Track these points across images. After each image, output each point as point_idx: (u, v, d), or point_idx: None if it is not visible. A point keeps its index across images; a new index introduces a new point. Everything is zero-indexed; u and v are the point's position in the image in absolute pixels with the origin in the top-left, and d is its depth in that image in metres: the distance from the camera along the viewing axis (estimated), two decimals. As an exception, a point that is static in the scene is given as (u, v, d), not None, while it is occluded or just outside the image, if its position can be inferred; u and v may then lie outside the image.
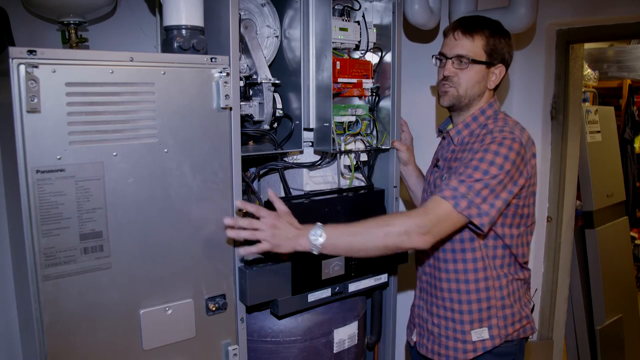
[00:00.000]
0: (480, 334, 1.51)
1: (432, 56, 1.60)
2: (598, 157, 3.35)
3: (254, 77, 1.50)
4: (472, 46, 1.48)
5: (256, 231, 1.27)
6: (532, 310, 1.63)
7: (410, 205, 1.91)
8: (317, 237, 1.27)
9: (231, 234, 1.29)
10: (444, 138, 1.65)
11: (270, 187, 1.70)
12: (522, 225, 1.51)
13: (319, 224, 1.30)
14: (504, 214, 1.46)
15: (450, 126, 1.65)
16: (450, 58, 1.50)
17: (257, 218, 1.29)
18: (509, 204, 1.43)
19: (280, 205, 1.33)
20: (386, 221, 1.34)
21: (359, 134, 1.63)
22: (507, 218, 1.47)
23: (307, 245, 1.28)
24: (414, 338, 1.67)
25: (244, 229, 1.28)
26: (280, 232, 1.28)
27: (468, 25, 1.50)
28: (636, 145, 4.59)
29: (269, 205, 1.45)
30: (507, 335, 1.52)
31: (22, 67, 1.04)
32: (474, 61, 1.48)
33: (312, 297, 1.52)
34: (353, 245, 1.32)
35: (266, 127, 1.54)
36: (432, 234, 1.33)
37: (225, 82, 1.29)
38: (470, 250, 1.50)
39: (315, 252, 1.29)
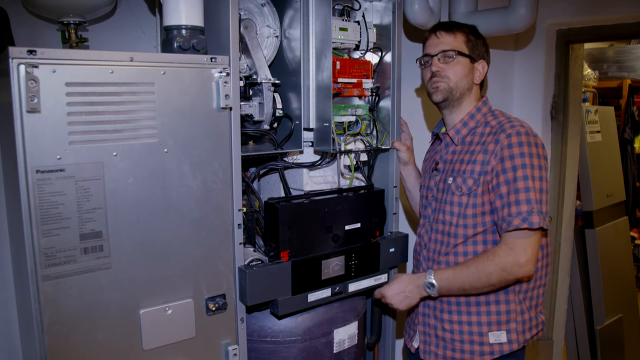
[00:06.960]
0: (498, 337, 1.49)
1: (417, 60, 1.63)
2: (598, 157, 3.35)
3: (254, 77, 1.50)
4: (455, 41, 1.54)
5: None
6: None
7: (408, 206, 1.91)
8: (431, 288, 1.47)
9: None
10: (439, 140, 1.65)
11: (270, 187, 1.71)
12: None
13: (430, 272, 1.48)
14: None
15: (444, 129, 1.65)
16: (436, 55, 1.54)
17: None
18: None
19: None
20: (483, 264, 1.41)
21: (359, 134, 1.63)
22: None
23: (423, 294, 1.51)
24: (415, 345, 1.65)
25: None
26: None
27: (447, 26, 1.57)
28: (636, 145, 4.59)
29: (268, 205, 1.45)
30: (525, 341, 1.50)
31: (22, 67, 1.04)
32: (460, 53, 1.53)
33: (312, 297, 1.52)
34: (464, 288, 1.45)
35: (266, 127, 1.53)
36: (529, 264, 1.39)
37: (225, 82, 1.29)
38: None
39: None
